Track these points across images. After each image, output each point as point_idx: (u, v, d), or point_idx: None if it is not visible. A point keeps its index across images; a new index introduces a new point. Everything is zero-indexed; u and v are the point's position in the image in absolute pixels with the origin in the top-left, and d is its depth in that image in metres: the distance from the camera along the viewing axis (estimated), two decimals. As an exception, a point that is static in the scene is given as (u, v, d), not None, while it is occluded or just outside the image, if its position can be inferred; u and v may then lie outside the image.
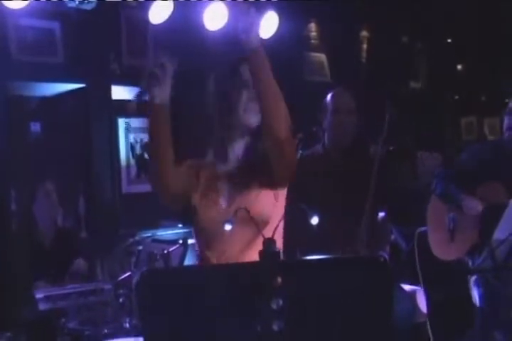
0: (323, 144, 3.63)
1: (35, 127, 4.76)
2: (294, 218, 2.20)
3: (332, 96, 3.60)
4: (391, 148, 3.50)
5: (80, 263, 4.03)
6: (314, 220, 1.93)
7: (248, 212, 1.93)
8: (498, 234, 3.34)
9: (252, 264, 1.79)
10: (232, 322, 1.62)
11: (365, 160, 3.48)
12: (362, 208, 3.32)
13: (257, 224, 1.96)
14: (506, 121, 3.64)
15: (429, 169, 3.61)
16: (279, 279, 1.61)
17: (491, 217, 3.36)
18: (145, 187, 5.16)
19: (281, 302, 1.60)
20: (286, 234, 2.20)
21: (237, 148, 2.33)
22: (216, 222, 2.17)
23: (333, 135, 3.58)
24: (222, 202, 2.29)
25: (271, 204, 2.26)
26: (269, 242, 1.72)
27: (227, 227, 1.96)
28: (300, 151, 3.44)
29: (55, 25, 4.76)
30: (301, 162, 3.26)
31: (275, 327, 1.60)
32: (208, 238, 2.27)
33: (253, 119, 2.30)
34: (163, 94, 2.20)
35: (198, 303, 1.60)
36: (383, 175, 3.38)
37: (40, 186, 4.14)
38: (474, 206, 3.52)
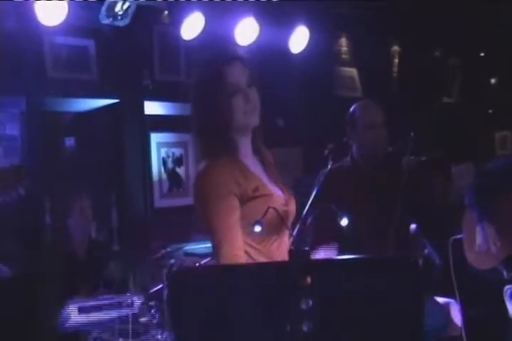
0: (352, 157, 3.57)
1: (70, 142, 4.83)
2: (323, 218, 2.17)
3: (361, 110, 3.51)
4: (423, 159, 3.45)
5: (113, 268, 4.05)
6: (344, 221, 1.92)
7: (277, 210, 1.92)
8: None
9: (281, 264, 1.79)
10: (261, 322, 1.61)
11: (397, 171, 3.43)
12: (391, 219, 3.28)
13: (286, 222, 1.95)
14: None
15: (464, 181, 3.60)
16: (309, 279, 1.59)
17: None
18: (177, 202, 5.18)
19: (310, 302, 1.59)
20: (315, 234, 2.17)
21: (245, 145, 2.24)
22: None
23: (366, 150, 3.51)
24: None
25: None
26: (299, 242, 1.72)
27: (257, 229, 1.94)
28: (331, 162, 3.41)
29: (89, 43, 4.85)
30: (330, 175, 3.25)
31: (305, 328, 1.59)
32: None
33: (254, 120, 2.19)
34: None
35: (228, 303, 1.60)
36: (416, 185, 3.34)
37: (74, 199, 4.18)
38: None
